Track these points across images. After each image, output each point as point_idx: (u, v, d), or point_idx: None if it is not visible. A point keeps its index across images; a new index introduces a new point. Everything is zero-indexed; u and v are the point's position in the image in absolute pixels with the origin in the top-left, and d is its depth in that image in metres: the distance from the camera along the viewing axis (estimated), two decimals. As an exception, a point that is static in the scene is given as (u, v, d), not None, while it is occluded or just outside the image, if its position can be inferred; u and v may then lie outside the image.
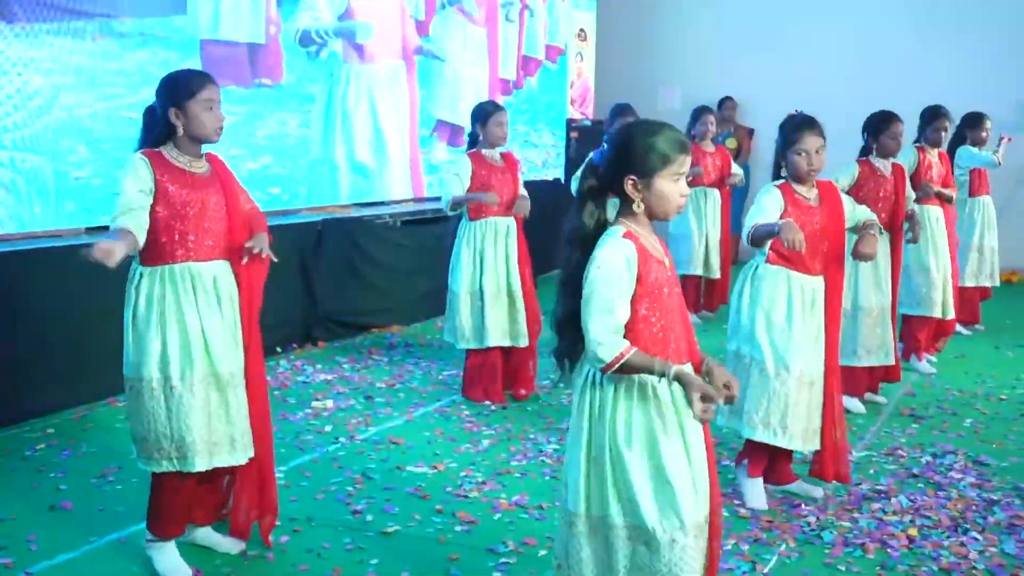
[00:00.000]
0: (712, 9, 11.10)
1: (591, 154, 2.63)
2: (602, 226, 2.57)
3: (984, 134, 7.02)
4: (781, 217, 3.84)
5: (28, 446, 4.62)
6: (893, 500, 4.08)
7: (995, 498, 4.14)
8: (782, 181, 3.98)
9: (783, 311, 3.94)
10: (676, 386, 2.55)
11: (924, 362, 6.22)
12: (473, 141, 5.46)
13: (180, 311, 3.29)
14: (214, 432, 3.35)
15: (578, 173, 2.74)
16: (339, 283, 6.93)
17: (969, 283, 7.23)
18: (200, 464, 3.32)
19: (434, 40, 8.24)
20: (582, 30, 10.93)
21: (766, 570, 3.48)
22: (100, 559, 3.52)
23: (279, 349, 6.46)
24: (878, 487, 4.24)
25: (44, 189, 5.31)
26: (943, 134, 6.11)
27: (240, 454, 3.42)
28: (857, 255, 4.06)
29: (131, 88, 5.63)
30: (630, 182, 2.51)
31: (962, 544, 3.69)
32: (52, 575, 3.40)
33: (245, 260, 3.38)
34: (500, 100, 8.78)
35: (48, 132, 5.25)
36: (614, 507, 2.56)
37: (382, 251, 7.33)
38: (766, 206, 3.88)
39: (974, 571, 3.48)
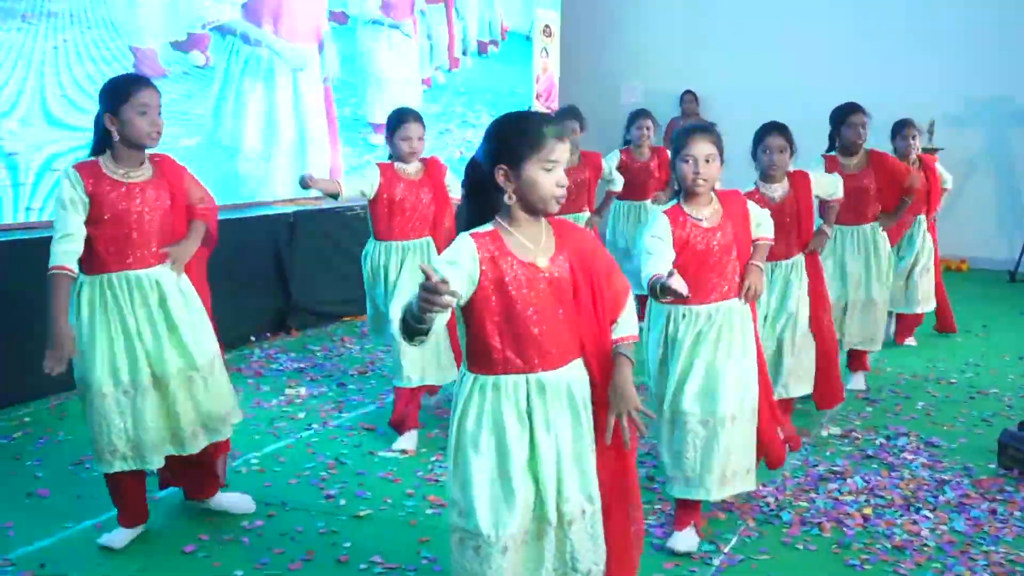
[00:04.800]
0: (674, 6, 11.19)
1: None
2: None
3: (906, 142, 6.08)
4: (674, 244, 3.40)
5: (5, 434, 4.66)
6: (848, 481, 4.18)
7: (946, 478, 4.25)
8: (673, 203, 3.51)
9: (682, 349, 3.48)
10: (544, 382, 2.46)
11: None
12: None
13: (122, 318, 3.33)
14: (161, 430, 3.43)
15: None
16: (312, 273, 6.99)
17: (912, 310, 6.39)
18: (156, 462, 3.43)
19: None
20: (547, 26, 10.98)
21: (727, 549, 3.56)
22: (76, 545, 3.56)
23: (253, 338, 6.52)
24: (834, 468, 4.33)
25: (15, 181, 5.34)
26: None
27: (189, 446, 3.49)
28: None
29: (64, 66, 5.63)
30: (501, 172, 2.39)
31: (914, 522, 3.79)
32: (29, 561, 3.43)
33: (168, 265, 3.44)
34: (419, 100, 8.63)
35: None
36: (452, 510, 2.49)
37: (353, 242, 7.32)
38: (655, 246, 3.33)
39: (926, 548, 3.58)
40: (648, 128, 6.89)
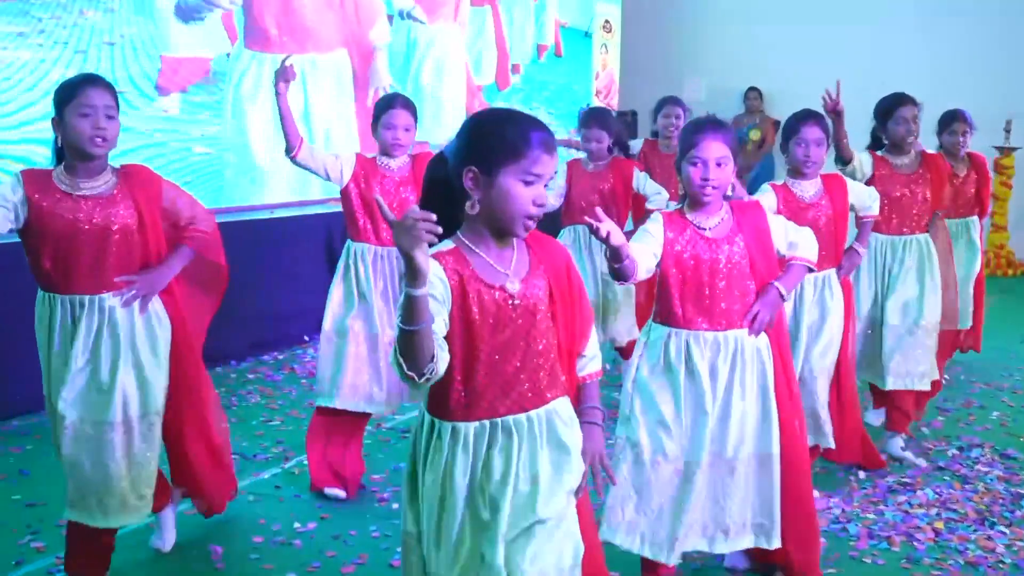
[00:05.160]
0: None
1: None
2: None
3: (955, 138, 5.41)
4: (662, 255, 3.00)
5: (59, 432, 4.68)
6: (919, 493, 4.07)
7: (1022, 491, 4.12)
8: (677, 207, 3.12)
9: (677, 383, 3.03)
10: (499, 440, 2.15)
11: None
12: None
13: (50, 342, 3.02)
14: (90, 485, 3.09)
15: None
16: (365, 273, 6.96)
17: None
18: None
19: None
20: (607, 21, 10.90)
21: (791, 561, 3.48)
22: (129, 543, 3.53)
23: (306, 338, 6.51)
24: (904, 479, 4.22)
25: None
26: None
27: (113, 519, 3.13)
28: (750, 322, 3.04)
29: (119, 63, 5.60)
30: (470, 174, 2.05)
31: (988, 538, 3.68)
32: (83, 559, 3.43)
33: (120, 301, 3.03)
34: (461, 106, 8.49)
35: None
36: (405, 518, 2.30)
37: (407, 241, 7.33)
38: (639, 237, 3.02)
39: (1001, 565, 3.47)
40: (678, 117, 5.67)
